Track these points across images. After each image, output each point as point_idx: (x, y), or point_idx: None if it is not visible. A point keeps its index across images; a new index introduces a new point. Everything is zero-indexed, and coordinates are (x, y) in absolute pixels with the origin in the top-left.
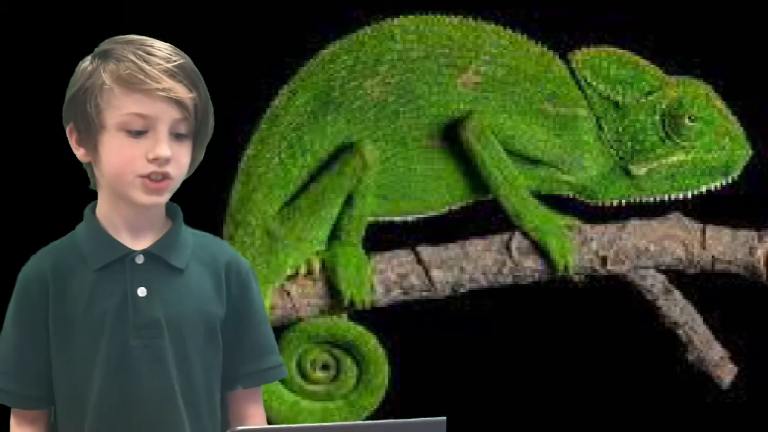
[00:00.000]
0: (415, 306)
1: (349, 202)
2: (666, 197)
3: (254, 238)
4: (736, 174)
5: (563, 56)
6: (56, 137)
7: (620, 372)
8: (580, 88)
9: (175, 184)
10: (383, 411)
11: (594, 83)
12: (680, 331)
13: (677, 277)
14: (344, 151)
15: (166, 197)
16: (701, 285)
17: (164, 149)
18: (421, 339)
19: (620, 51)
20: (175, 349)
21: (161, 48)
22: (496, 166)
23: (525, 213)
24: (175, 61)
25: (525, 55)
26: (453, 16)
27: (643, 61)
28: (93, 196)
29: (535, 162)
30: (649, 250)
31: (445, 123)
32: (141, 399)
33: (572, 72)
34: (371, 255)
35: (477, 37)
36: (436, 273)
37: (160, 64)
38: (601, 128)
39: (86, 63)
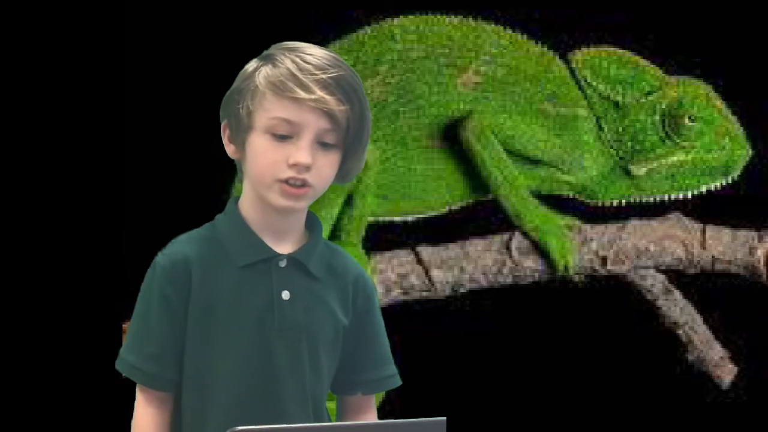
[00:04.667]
0: (415, 306)
1: (349, 202)
2: (666, 197)
3: None
4: (736, 174)
5: (563, 56)
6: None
7: (620, 372)
8: (580, 88)
9: (314, 193)
10: (383, 411)
11: (594, 83)
12: (680, 331)
13: (677, 277)
14: None
15: (303, 204)
16: (701, 285)
17: (304, 156)
18: (421, 339)
19: (620, 51)
20: (310, 354)
21: (321, 57)
22: (496, 166)
23: (525, 213)
24: (332, 72)
25: (525, 55)
26: (453, 16)
27: (643, 61)
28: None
29: (535, 162)
30: (649, 250)
31: (445, 123)
32: (277, 398)
33: (572, 72)
34: (371, 255)
35: (477, 37)
36: (436, 273)
37: (315, 74)
38: (601, 128)
39: (250, 65)
